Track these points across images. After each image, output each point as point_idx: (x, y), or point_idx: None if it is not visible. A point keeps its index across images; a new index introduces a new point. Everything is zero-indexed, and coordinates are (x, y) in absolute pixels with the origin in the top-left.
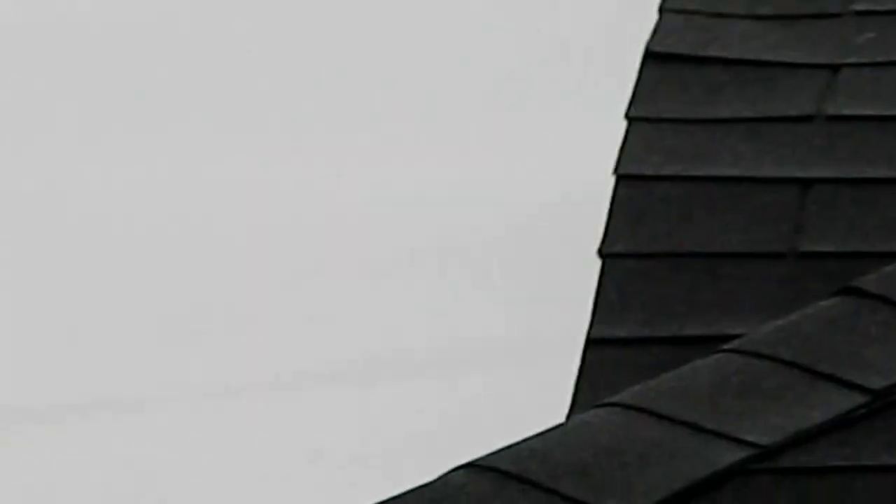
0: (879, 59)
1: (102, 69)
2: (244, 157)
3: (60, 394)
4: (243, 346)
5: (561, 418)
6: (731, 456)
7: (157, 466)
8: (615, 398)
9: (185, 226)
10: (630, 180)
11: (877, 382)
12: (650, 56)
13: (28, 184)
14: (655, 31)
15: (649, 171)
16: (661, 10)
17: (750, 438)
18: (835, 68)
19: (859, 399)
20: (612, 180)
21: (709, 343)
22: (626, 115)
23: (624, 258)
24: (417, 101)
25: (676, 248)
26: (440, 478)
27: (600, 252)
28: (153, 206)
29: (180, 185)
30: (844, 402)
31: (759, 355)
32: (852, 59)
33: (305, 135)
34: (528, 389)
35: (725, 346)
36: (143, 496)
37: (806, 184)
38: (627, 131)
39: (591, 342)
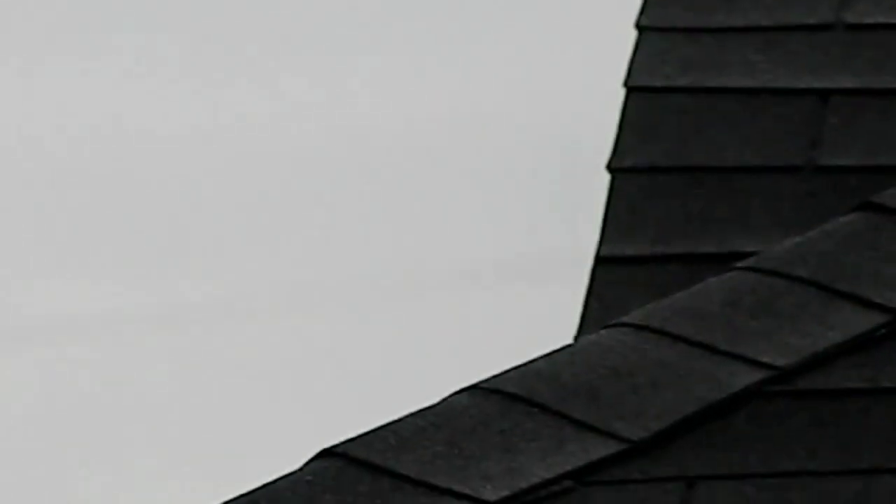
0: None
1: None
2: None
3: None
4: (256, 260)
5: (569, 339)
6: (745, 378)
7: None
8: (625, 318)
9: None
10: (641, 92)
11: None
12: None
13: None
14: None
15: (661, 83)
16: None
17: (765, 360)
18: None
19: (879, 318)
20: (621, 92)
21: (722, 261)
22: (637, 25)
23: (634, 173)
24: (418, 17)
25: (689, 163)
26: (443, 401)
27: (609, 167)
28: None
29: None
30: (864, 321)
31: (774, 273)
32: None
33: (306, 53)
34: (535, 309)
35: (740, 264)
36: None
37: (824, 95)
38: (638, 41)
39: (600, 260)
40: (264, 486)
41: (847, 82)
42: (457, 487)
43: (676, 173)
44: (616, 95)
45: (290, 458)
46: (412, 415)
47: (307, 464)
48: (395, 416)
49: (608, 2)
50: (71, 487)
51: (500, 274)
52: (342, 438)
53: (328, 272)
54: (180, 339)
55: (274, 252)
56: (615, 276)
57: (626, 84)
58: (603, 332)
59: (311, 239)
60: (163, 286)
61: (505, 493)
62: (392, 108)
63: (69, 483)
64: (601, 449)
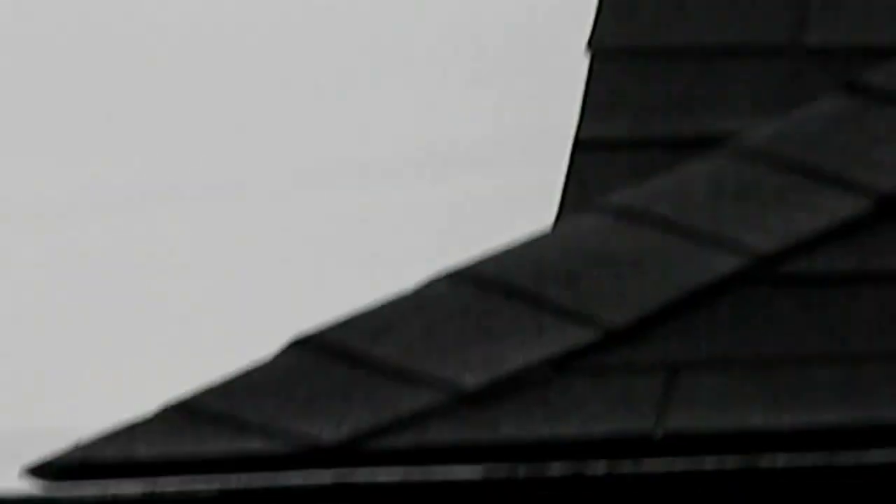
0: None
1: None
2: None
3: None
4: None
5: (548, 224)
6: (729, 263)
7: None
8: (605, 202)
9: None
10: None
11: (885, 184)
12: None
13: None
14: None
15: None
16: None
17: (750, 244)
18: None
19: (866, 202)
20: None
21: (705, 143)
22: None
23: (614, 54)
24: None
25: (670, 43)
26: (420, 287)
27: (589, 48)
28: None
29: None
30: (850, 205)
31: (758, 156)
32: None
33: None
34: (513, 193)
35: (723, 147)
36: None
37: None
38: None
39: (579, 143)
40: (237, 376)
41: None
42: (434, 374)
43: (657, 54)
44: None
45: (263, 345)
46: (389, 301)
47: (281, 352)
48: (373, 303)
49: None
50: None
51: (477, 157)
52: (317, 325)
53: (304, 154)
54: (145, 221)
55: (246, 134)
56: (595, 159)
57: None
58: (582, 216)
59: (293, 119)
60: (135, 167)
61: (483, 380)
62: None
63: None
64: (581, 336)
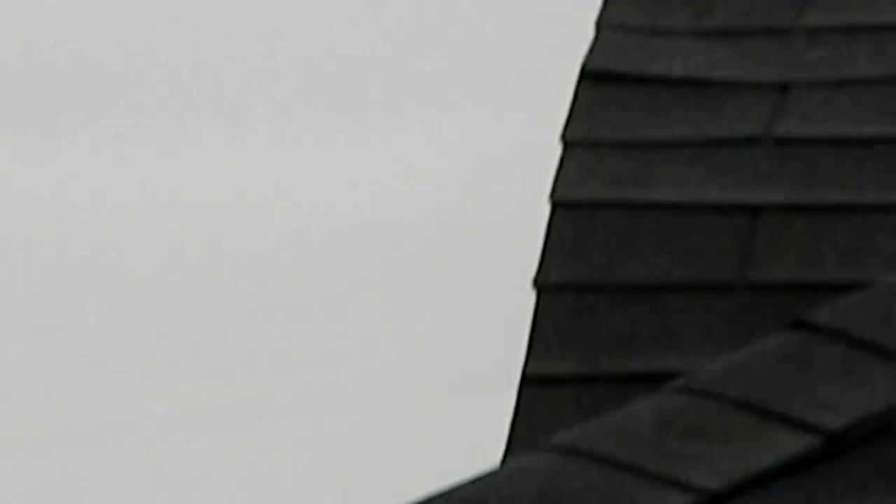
0: (831, 76)
1: None
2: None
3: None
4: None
5: (496, 460)
6: (676, 501)
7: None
8: (553, 441)
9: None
10: (567, 207)
11: (831, 422)
12: (587, 75)
13: None
14: (592, 49)
15: (587, 197)
16: (598, 26)
17: (697, 483)
18: (784, 87)
19: (813, 440)
20: (547, 206)
21: (653, 380)
22: (562, 138)
23: (561, 290)
24: (339, 102)
25: (617, 280)
26: None
27: (535, 283)
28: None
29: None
30: (798, 443)
31: (705, 394)
32: (802, 77)
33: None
34: (459, 430)
35: (670, 385)
36: None
37: (755, 210)
38: (563, 155)
39: (526, 379)
40: None
41: (778, 197)
42: None
43: (604, 290)
44: (542, 209)
45: None
46: None
47: None
48: None
49: (531, 114)
50: None
51: (419, 393)
52: None
53: (224, 392)
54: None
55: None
56: (542, 395)
57: (551, 198)
58: (529, 455)
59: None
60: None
61: None
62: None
63: None
64: None
